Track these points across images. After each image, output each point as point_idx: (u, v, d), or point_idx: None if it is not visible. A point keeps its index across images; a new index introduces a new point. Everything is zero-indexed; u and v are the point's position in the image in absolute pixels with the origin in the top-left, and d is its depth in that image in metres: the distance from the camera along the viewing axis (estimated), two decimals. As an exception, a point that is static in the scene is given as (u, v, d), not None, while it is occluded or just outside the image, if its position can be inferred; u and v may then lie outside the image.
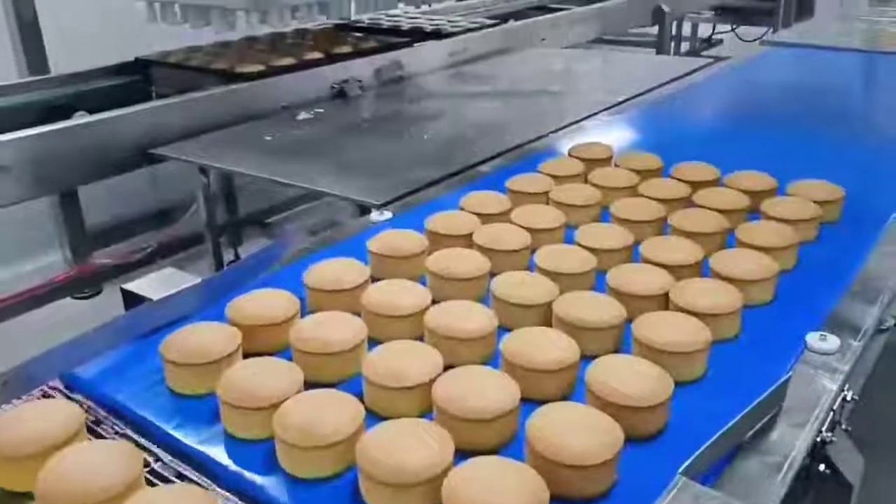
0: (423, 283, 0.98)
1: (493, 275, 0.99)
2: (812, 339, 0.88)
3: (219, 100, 1.88)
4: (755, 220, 1.13)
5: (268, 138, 1.76)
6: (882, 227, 1.15)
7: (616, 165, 1.38)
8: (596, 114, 1.85)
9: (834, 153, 1.53)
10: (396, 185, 1.41)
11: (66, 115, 1.75)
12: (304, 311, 0.93)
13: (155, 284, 1.08)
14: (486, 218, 1.15)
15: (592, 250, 1.04)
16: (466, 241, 1.09)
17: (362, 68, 2.15)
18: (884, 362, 1.00)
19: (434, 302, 0.92)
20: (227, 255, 2.00)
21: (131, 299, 1.07)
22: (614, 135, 1.67)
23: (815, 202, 1.17)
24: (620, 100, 1.96)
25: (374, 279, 0.99)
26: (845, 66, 2.36)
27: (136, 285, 1.08)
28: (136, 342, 0.89)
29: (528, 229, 1.10)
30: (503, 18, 2.99)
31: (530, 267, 1.04)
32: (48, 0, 2.34)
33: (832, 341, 0.87)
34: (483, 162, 1.53)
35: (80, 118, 1.73)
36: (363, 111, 2.00)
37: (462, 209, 1.19)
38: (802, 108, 1.93)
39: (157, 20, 2.05)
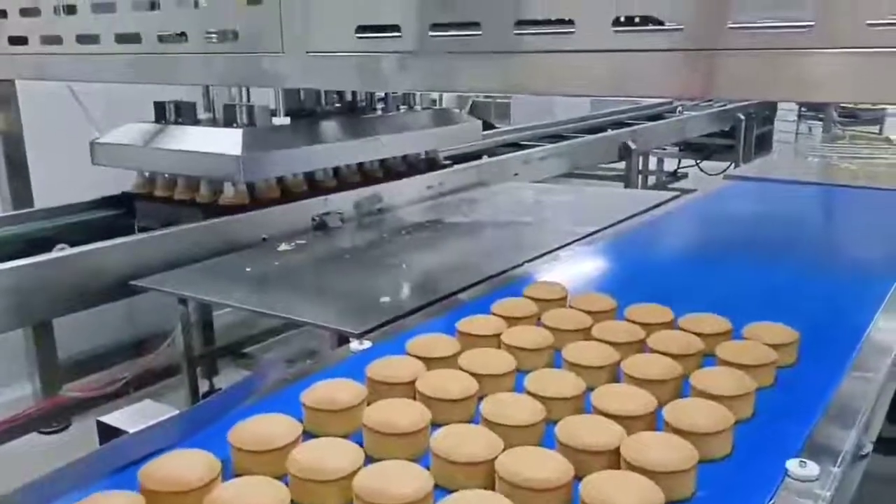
0: (360, 439, 0.93)
1: (436, 425, 0.94)
2: (792, 465, 0.88)
3: (199, 232, 1.91)
4: (710, 366, 1.11)
5: (248, 269, 1.78)
6: (841, 370, 1.14)
7: (570, 306, 1.36)
8: (564, 246, 1.90)
9: (791, 289, 1.55)
10: (376, 315, 1.42)
11: (48, 248, 1.77)
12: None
13: (132, 416, 1.06)
14: (432, 362, 1.11)
15: (542, 399, 1.00)
16: (409, 388, 1.04)
17: (343, 201, 2.22)
18: (866, 489, 1.00)
19: (369, 459, 0.87)
20: (202, 387, 1.98)
21: (107, 432, 1.05)
22: (576, 269, 1.72)
23: (770, 345, 1.15)
24: (590, 231, 2.01)
25: (307, 434, 0.94)
26: (802, 199, 2.47)
27: (112, 417, 1.07)
28: (112, 476, 0.87)
29: (476, 375, 1.06)
30: (477, 155, 3.12)
31: (477, 417, 0.99)
32: (37, 139, 2.42)
33: (812, 468, 0.88)
34: (461, 291, 1.56)
35: (61, 251, 1.74)
36: (343, 242, 2.05)
37: (408, 353, 1.15)
38: (762, 240, 1.98)
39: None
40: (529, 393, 1.02)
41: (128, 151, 2.16)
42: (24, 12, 1.89)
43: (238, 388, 1.11)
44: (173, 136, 2.12)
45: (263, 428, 0.91)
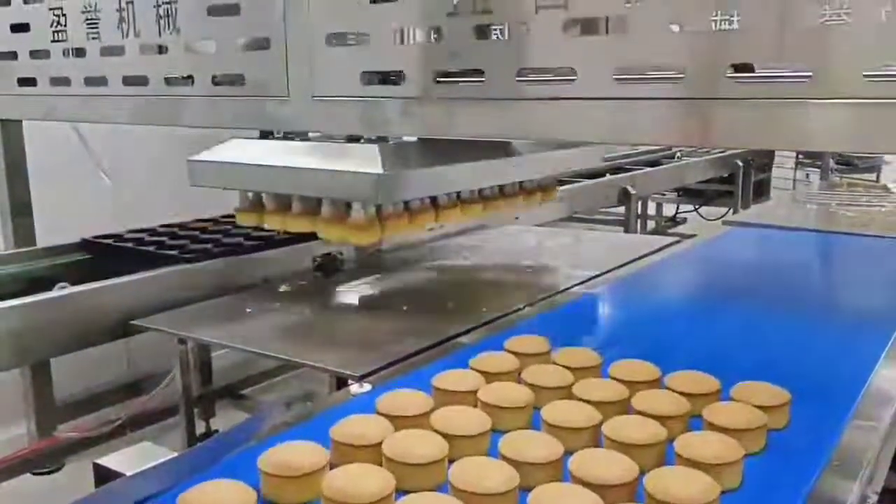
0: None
1: (402, 492, 0.90)
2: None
3: (199, 273, 1.91)
4: (697, 430, 1.07)
5: (248, 310, 1.78)
6: (834, 436, 1.09)
7: (553, 362, 1.31)
8: (561, 291, 1.88)
9: (787, 341, 1.51)
10: (376, 358, 1.42)
11: (48, 287, 1.77)
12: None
13: (129, 459, 1.05)
14: (401, 422, 1.06)
15: (516, 464, 0.94)
16: (375, 451, 0.98)
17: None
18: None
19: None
20: (199, 428, 1.96)
21: (104, 475, 1.03)
22: (565, 317, 1.70)
23: (760, 407, 1.10)
24: (587, 276, 2.01)
25: (265, 502, 0.91)
26: (800, 245, 2.48)
27: (109, 459, 1.06)
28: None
29: (448, 436, 1.01)
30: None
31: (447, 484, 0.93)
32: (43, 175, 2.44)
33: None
34: (462, 334, 1.56)
35: (61, 290, 1.74)
36: (344, 284, 2.05)
37: (377, 411, 1.10)
38: (758, 288, 1.95)
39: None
40: (504, 457, 0.97)
41: (234, 170, 1.76)
42: (34, 54, 1.92)
43: (237, 431, 1.10)
44: (288, 153, 1.73)
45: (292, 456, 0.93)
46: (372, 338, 1.59)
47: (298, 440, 1.00)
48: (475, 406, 1.14)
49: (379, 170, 1.51)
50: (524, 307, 1.75)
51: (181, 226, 2.32)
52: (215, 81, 1.62)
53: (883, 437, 1.11)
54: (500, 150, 1.87)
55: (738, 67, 1.04)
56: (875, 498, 1.04)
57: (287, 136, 1.75)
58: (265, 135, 1.77)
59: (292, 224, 1.73)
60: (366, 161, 1.54)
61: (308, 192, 1.69)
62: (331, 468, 0.95)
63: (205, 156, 1.84)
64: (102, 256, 2.11)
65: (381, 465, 0.96)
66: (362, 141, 1.61)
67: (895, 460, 1.27)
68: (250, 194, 1.82)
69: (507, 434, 1.03)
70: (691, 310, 1.77)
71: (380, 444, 0.98)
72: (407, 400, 1.13)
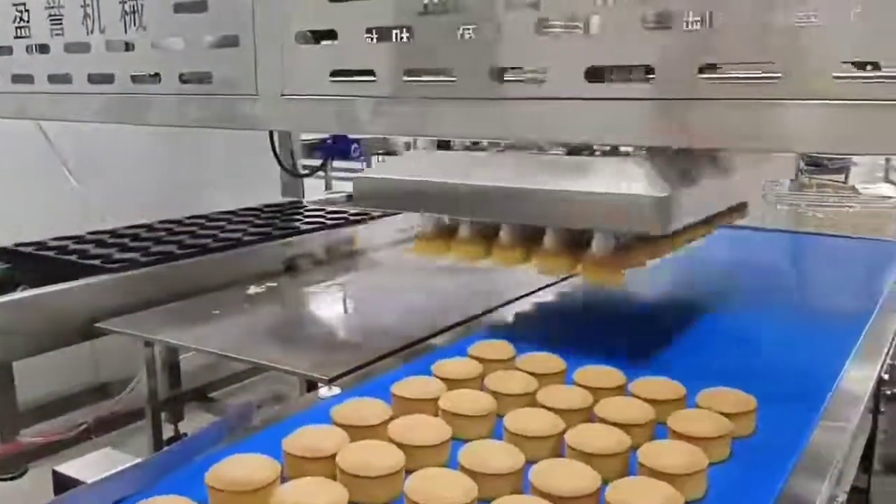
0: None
1: None
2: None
3: (166, 274, 1.88)
4: (663, 437, 1.06)
5: (216, 312, 1.75)
6: (802, 442, 1.07)
7: (517, 368, 1.28)
8: (532, 293, 1.86)
9: (755, 344, 1.49)
10: (346, 360, 1.40)
11: (10, 289, 1.73)
12: None
13: (90, 466, 1.03)
14: (358, 432, 1.02)
15: (476, 475, 0.92)
16: (329, 463, 0.95)
17: (314, 243, 2.20)
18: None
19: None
20: (167, 432, 1.93)
21: (62, 482, 1.00)
22: (532, 321, 1.67)
23: (726, 414, 1.08)
24: (558, 279, 1.98)
25: None
26: (770, 246, 2.50)
27: (68, 467, 1.03)
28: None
29: (405, 447, 0.98)
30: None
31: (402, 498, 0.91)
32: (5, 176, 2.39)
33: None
34: (434, 335, 1.54)
35: (24, 291, 1.71)
36: (315, 285, 2.02)
37: (333, 421, 1.07)
38: (726, 290, 1.93)
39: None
40: (463, 468, 0.94)
41: (422, 189, 1.41)
42: (-4, 50, 1.88)
43: (204, 434, 1.08)
44: (494, 168, 1.38)
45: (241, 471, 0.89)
46: (343, 340, 1.57)
47: (250, 453, 0.97)
48: (436, 414, 1.11)
49: (655, 190, 1.21)
50: (496, 308, 1.74)
51: (111, 232, 2.26)
52: (183, 79, 1.59)
53: (852, 437, 1.11)
54: (713, 161, 1.50)
55: (711, 68, 1.04)
56: (844, 497, 1.05)
57: (472, 146, 1.46)
58: (442, 145, 1.48)
59: (502, 257, 1.44)
60: (635, 180, 1.24)
61: (548, 221, 1.34)
62: (284, 482, 0.92)
63: (375, 172, 1.54)
64: (23, 266, 1.99)
65: (335, 478, 0.93)
66: (585, 153, 1.33)
67: (863, 459, 1.29)
68: (432, 218, 1.49)
69: (467, 444, 1.01)
70: (659, 313, 1.75)
71: (334, 455, 0.95)
72: (364, 409, 1.09)
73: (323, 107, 1.39)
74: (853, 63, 0.97)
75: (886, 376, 1.36)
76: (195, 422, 2.09)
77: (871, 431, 1.32)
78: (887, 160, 3.14)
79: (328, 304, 1.89)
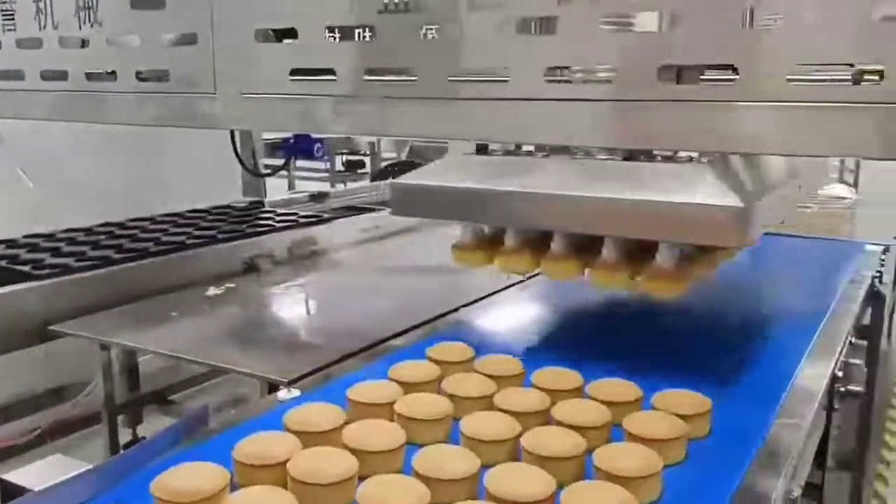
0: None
1: None
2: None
3: (123, 275, 1.85)
4: (619, 439, 1.06)
5: (174, 314, 1.73)
6: (757, 441, 1.08)
7: (475, 370, 1.26)
8: (492, 294, 1.84)
9: (711, 344, 1.49)
10: (307, 362, 1.38)
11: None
12: None
13: (39, 473, 1.00)
14: (310, 438, 1.00)
15: (430, 481, 0.90)
16: (280, 471, 0.93)
17: (274, 243, 2.18)
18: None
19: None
20: (125, 436, 1.89)
21: (10, 490, 0.98)
22: (492, 321, 1.66)
23: (681, 416, 1.08)
24: (519, 279, 1.97)
25: None
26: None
27: (16, 474, 1.00)
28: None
29: (360, 453, 0.96)
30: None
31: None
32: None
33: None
34: (395, 336, 1.54)
35: (-26, 293, 1.66)
36: (274, 286, 2.00)
37: (287, 427, 1.04)
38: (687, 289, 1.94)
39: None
40: (417, 473, 0.93)
41: (470, 196, 1.32)
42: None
43: (158, 439, 1.06)
44: (547, 175, 1.30)
45: (189, 480, 0.87)
46: (303, 342, 1.56)
47: (204, 458, 0.95)
48: (392, 419, 1.09)
49: (735, 200, 1.14)
50: (459, 308, 1.74)
51: (48, 236, 2.20)
52: (140, 77, 1.56)
53: (807, 433, 1.13)
54: (763, 170, 1.42)
55: (669, 69, 1.04)
56: (798, 492, 1.07)
57: (513, 152, 1.37)
58: (480, 149, 1.39)
59: (552, 269, 1.36)
60: (701, 187, 1.17)
61: (613, 231, 1.26)
62: (235, 490, 0.90)
63: (423, 178, 1.39)
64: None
65: (286, 486, 0.91)
66: (642, 158, 1.26)
67: (818, 456, 1.31)
68: (470, 227, 1.42)
69: (422, 448, 0.99)
70: (616, 314, 1.72)
71: (285, 463, 0.93)
72: (317, 414, 1.07)
73: (283, 106, 1.37)
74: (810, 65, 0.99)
75: (840, 374, 1.38)
76: (154, 425, 2.05)
77: (825, 428, 1.35)
78: (842, 161, 3.20)
79: (288, 305, 1.87)
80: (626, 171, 1.25)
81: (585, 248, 1.34)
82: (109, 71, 1.61)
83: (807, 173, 1.70)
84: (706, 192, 1.17)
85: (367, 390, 1.15)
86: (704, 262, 1.35)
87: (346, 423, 1.05)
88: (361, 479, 0.92)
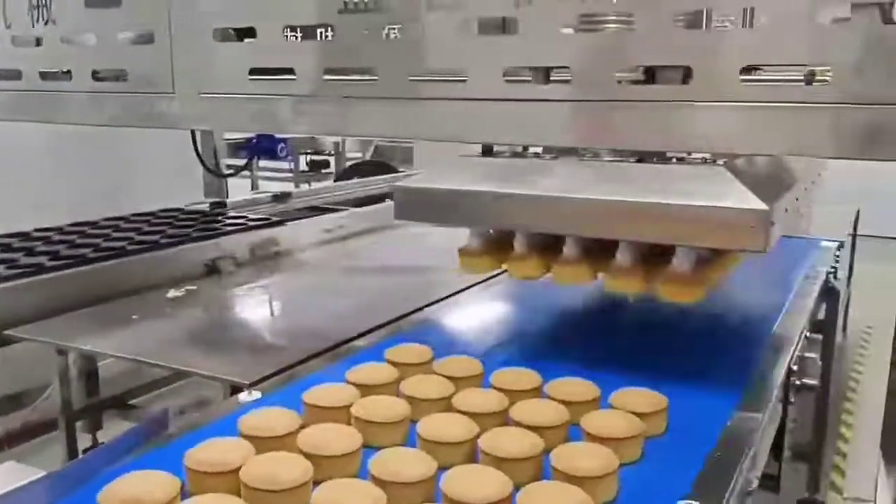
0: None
1: None
2: (680, 508, 0.89)
3: (81, 278, 1.82)
4: (576, 439, 1.05)
5: (134, 317, 1.70)
6: (713, 437, 1.08)
7: (434, 371, 1.24)
8: (453, 294, 1.83)
9: (669, 341, 1.48)
10: (268, 363, 1.38)
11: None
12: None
13: (-8, 481, 0.98)
14: (265, 443, 0.98)
15: (385, 485, 0.89)
16: (233, 478, 0.90)
17: (236, 244, 2.16)
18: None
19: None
20: (84, 442, 1.86)
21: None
22: (454, 322, 1.65)
23: (638, 414, 1.08)
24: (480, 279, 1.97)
25: None
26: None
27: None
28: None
29: (315, 457, 0.94)
30: (380, 198, 3.12)
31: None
32: None
33: (699, 510, 0.89)
34: (359, 337, 1.53)
35: (-74, 298, 1.62)
36: (237, 288, 1.98)
37: (241, 433, 1.02)
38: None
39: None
40: (373, 477, 0.92)
41: (480, 200, 1.29)
42: None
43: (116, 444, 1.04)
44: (561, 177, 1.26)
45: (139, 489, 0.85)
46: (265, 343, 1.55)
47: (157, 466, 0.92)
48: (349, 422, 1.08)
49: (757, 203, 1.11)
50: (423, 308, 1.74)
51: (23, 235, 2.16)
52: (97, 77, 1.54)
53: (763, 427, 1.15)
54: (778, 172, 1.42)
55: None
56: (756, 483, 1.09)
57: (520, 154, 1.35)
58: (487, 151, 1.36)
59: (564, 274, 1.32)
60: (721, 190, 1.14)
61: (632, 235, 1.22)
62: (187, 498, 0.88)
63: (429, 181, 1.34)
64: None
65: (239, 493, 0.89)
66: (654, 160, 1.23)
67: (774, 447, 1.34)
68: (476, 231, 1.37)
69: (378, 452, 0.98)
70: (578, 313, 1.72)
71: (237, 469, 0.91)
72: (273, 419, 1.05)
73: (242, 105, 1.36)
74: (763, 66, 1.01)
75: (796, 367, 1.41)
76: (115, 430, 2.01)
77: (781, 420, 1.38)
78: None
79: (250, 307, 1.86)
80: (640, 172, 1.23)
81: (597, 252, 1.31)
82: (65, 70, 1.58)
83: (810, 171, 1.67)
84: (727, 194, 1.14)
85: (323, 394, 1.14)
86: (719, 266, 1.32)
87: (303, 427, 1.03)
88: (317, 483, 0.90)
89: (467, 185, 1.30)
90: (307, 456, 0.95)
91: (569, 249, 1.31)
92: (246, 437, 1.01)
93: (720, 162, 1.20)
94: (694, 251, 1.24)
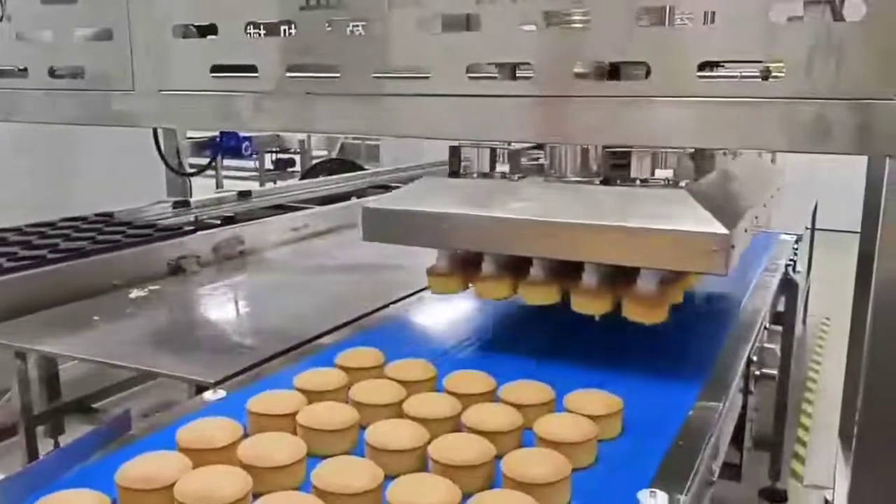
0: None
1: None
2: (643, 496, 0.91)
3: (40, 279, 1.79)
4: (531, 443, 1.03)
5: (96, 318, 1.68)
6: (666, 440, 1.07)
7: (385, 376, 1.21)
8: (412, 294, 1.80)
9: (624, 343, 1.42)
10: (232, 363, 1.37)
11: None
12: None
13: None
14: (203, 456, 0.94)
15: (330, 496, 0.87)
16: (167, 495, 0.87)
17: (200, 243, 2.14)
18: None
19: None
20: (46, 447, 1.83)
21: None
22: (411, 323, 1.63)
23: (592, 417, 1.06)
24: None
25: None
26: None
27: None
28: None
29: (256, 469, 0.91)
30: (346, 196, 3.10)
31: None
32: None
33: (661, 498, 0.90)
34: (322, 336, 1.53)
35: None
36: (200, 287, 1.97)
37: (178, 445, 0.98)
38: None
39: None
40: (316, 489, 0.89)
41: (448, 222, 1.29)
42: None
43: (74, 447, 1.03)
44: (527, 200, 1.28)
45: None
46: (229, 342, 1.54)
47: (79, 488, 0.89)
48: (295, 431, 1.05)
49: (720, 227, 1.13)
50: (388, 305, 1.73)
51: None
52: (54, 74, 1.51)
53: (722, 418, 1.17)
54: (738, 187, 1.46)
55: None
56: (717, 471, 1.11)
57: (487, 174, 1.35)
58: (454, 172, 1.37)
59: (532, 294, 1.35)
60: (681, 213, 1.16)
61: (597, 258, 1.25)
62: None
63: (397, 203, 1.33)
64: None
65: None
66: (617, 182, 1.26)
67: (736, 436, 1.36)
68: (445, 252, 1.38)
69: (322, 462, 0.94)
70: (535, 314, 1.62)
71: (172, 485, 0.86)
72: (212, 430, 1.00)
73: (202, 102, 1.35)
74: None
75: (755, 358, 1.44)
76: (77, 434, 1.99)
77: (742, 410, 1.40)
78: (759, 155, 3.29)
79: (213, 307, 1.84)
80: (604, 195, 1.25)
81: (564, 272, 1.33)
82: (21, 67, 1.55)
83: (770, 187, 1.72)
84: (689, 217, 1.16)
85: (269, 401, 1.09)
86: (678, 286, 1.36)
87: (246, 436, 1.00)
88: (257, 497, 0.87)
89: (435, 206, 1.30)
90: (247, 468, 0.91)
91: (536, 270, 1.33)
92: (182, 450, 0.96)
93: (682, 184, 1.23)
94: (658, 273, 1.27)
